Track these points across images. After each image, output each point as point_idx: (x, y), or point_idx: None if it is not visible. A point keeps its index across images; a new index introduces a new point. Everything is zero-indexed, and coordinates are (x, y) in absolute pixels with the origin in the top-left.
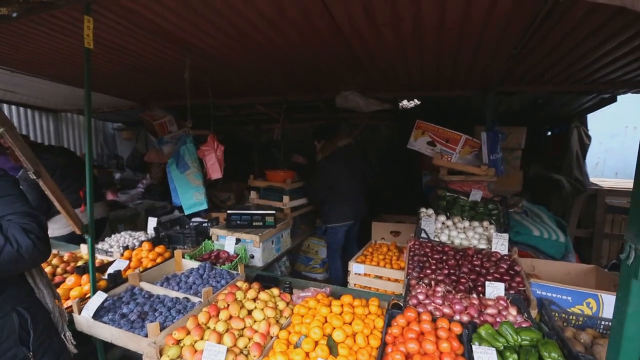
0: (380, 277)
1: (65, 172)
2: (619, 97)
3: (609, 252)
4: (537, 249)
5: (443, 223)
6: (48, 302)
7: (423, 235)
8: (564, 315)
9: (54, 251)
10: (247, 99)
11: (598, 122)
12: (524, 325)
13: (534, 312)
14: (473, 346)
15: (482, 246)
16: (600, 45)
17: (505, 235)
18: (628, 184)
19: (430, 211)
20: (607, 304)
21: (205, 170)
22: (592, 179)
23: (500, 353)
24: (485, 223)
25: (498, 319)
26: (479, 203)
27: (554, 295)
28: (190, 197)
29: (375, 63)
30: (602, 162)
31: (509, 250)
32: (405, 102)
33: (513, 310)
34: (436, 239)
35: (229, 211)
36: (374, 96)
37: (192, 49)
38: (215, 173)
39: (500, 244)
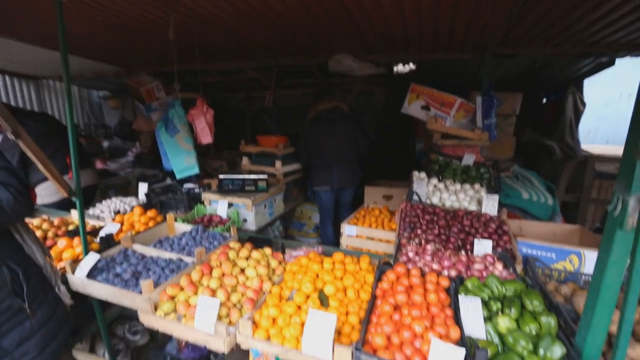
0: (372, 239)
1: (49, 138)
2: (616, 63)
3: (593, 216)
4: (526, 211)
5: (435, 186)
6: (38, 258)
7: (415, 197)
8: (547, 271)
9: (44, 216)
10: (237, 63)
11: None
12: (508, 278)
13: (519, 268)
14: (459, 297)
15: (473, 208)
16: (601, 3)
17: (496, 197)
18: (618, 150)
19: (423, 174)
20: (589, 260)
21: (195, 134)
22: (583, 146)
23: (485, 303)
24: (477, 186)
25: (485, 274)
26: (471, 167)
27: (539, 252)
28: (181, 161)
29: (371, 23)
30: (594, 130)
31: (498, 211)
32: (400, 67)
33: (499, 266)
34: (428, 201)
35: (220, 176)
36: (368, 59)
37: (179, 8)
38: (206, 137)
39: (491, 205)
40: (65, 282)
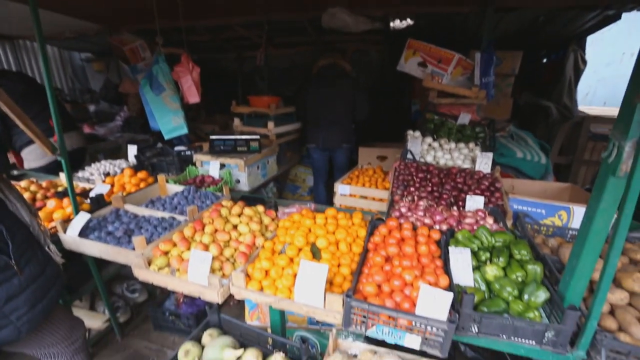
0: (365, 197)
1: (28, 99)
2: (622, 18)
3: (584, 177)
4: (519, 170)
5: (429, 145)
6: (24, 216)
7: (409, 156)
8: (536, 226)
9: (32, 179)
10: (225, 19)
11: (595, 48)
12: (498, 231)
13: (509, 223)
14: (450, 248)
15: (467, 166)
16: None
17: (490, 154)
18: (615, 111)
19: (417, 133)
20: (578, 215)
21: (182, 94)
22: (581, 107)
23: (474, 253)
24: (471, 145)
25: (475, 227)
26: (467, 126)
27: (529, 208)
28: (169, 122)
29: None
30: (593, 92)
31: (491, 169)
32: (397, 22)
33: (490, 220)
34: (422, 160)
35: (211, 136)
36: (363, 13)
37: None
38: (193, 97)
39: (484, 163)
40: (56, 242)
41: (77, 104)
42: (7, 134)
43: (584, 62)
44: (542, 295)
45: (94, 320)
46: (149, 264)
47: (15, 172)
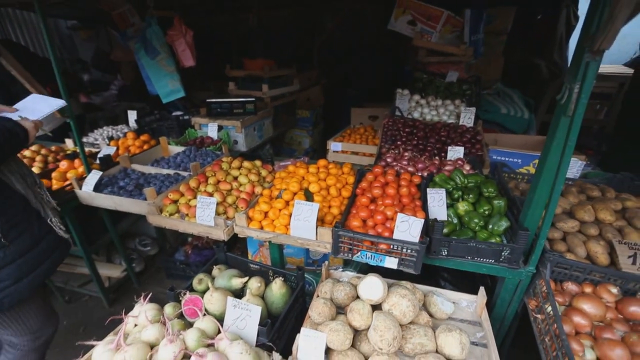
0: (356, 153)
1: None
2: None
3: None
4: (503, 126)
5: (417, 102)
6: (19, 188)
7: (397, 113)
8: (512, 175)
9: (41, 143)
10: None
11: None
12: (471, 173)
13: (486, 171)
14: (427, 189)
15: (451, 121)
16: None
17: (473, 109)
18: (604, 68)
19: (406, 91)
20: None
21: (177, 58)
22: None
23: (449, 193)
24: (457, 101)
25: None
26: (454, 84)
27: (507, 158)
28: (165, 85)
29: None
30: None
31: (474, 123)
32: None
33: (467, 167)
34: (409, 117)
35: (208, 100)
36: None
37: None
38: (188, 60)
39: (467, 118)
40: (74, 197)
41: (68, 74)
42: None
43: (576, 18)
44: (504, 224)
45: (113, 270)
46: (160, 211)
47: None
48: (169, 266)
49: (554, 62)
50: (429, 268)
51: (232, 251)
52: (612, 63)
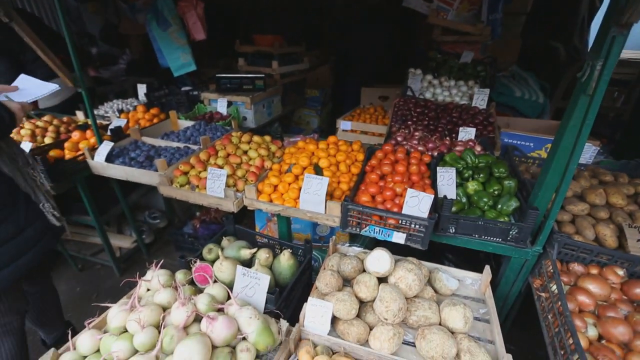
0: (366, 133)
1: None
2: None
3: None
4: (516, 109)
5: (429, 82)
6: (6, 170)
7: (408, 93)
8: (523, 159)
9: (53, 114)
10: None
11: None
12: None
13: (497, 154)
14: (437, 168)
15: (464, 102)
16: None
17: (486, 90)
18: (623, 54)
19: (419, 71)
20: None
21: (187, 30)
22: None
23: (459, 172)
24: (471, 82)
25: None
26: (468, 65)
27: (519, 142)
28: (177, 58)
29: None
30: None
31: (487, 105)
32: None
33: (478, 148)
34: (421, 97)
35: (218, 75)
36: None
37: None
38: (198, 33)
39: (481, 99)
40: (86, 167)
41: (76, 48)
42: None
43: (601, 0)
44: (513, 204)
45: (124, 241)
46: (171, 183)
47: (32, 112)
48: (177, 239)
49: (573, 46)
50: (433, 250)
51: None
52: (632, 48)
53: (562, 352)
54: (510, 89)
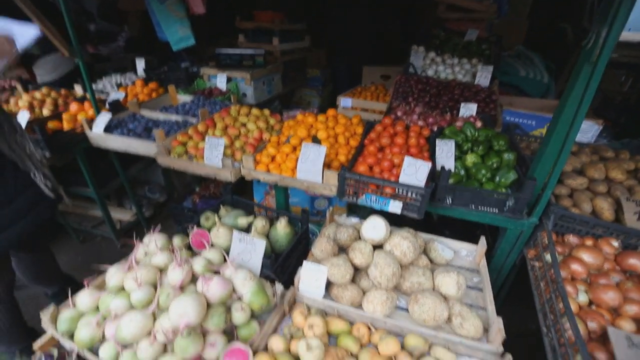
0: (366, 110)
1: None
2: None
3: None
4: (520, 89)
5: (432, 59)
6: None
7: (411, 70)
8: (524, 137)
9: (50, 86)
10: None
11: None
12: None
13: (498, 130)
14: (437, 140)
15: (466, 80)
16: None
17: (490, 68)
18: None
19: (422, 48)
20: None
21: (186, 3)
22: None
23: (458, 146)
24: (474, 60)
25: None
26: (473, 43)
27: (521, 120)
28: (175, 32)
29: None
30: None
31: (490, 83)
32: None
33: (479, 123)
34: (423, 74)
35: (218, 50)
36: None
37: None
38: (198, 7)
39: (484, 77)
40: (85, 138)
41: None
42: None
43: None
44: (511, 176)
45: (124, 214)
46: (169, 153)
47: (30, 87)
48: (177, 213)
49: (582, 28)
50: (429, 226)
51: None
52: None
53: (552, 317)
54: (515, 68)
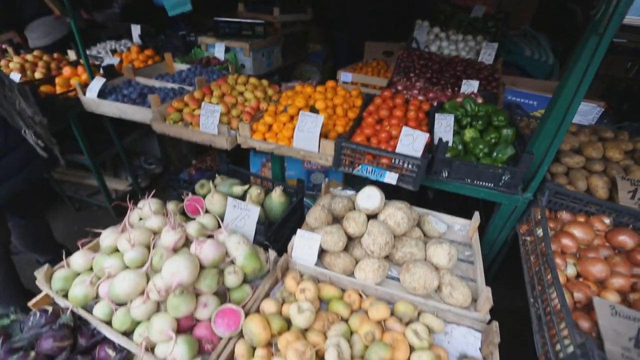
0: (367, 85)
1: None
2: None
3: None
4: (525, 70)
5: (436, 35)
6: None
7: (414, 45)
8: (525, 118)
9: (42, 50)
10: None
11: None
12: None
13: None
14: (436, 114)
15: (470, 57)
16: None
17: (494, 45)
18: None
19: (426, 23)
20: None
21: None
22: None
23: (457, 120)
24: (479, 37)
25: None
26: (479, 19)
27: (522, 100)
28: None
29: None
30: None
31: (494, 61)
32: None
33: (480, 100)
34: (426, 50)
35: (216, 18)
36: None
37: None
38: None
39: (488, 54)
40: (79, 104)
41: None
42: (11, 7)
43: None
44: (509, 152)
45: (119, 184)
46: (164, 120)
47: (22, 51)
48: (173, 184)
49: (592, 9)
50: (424, 205)
51: None
52: None
53: (540, 287)
54: (520, 47)
